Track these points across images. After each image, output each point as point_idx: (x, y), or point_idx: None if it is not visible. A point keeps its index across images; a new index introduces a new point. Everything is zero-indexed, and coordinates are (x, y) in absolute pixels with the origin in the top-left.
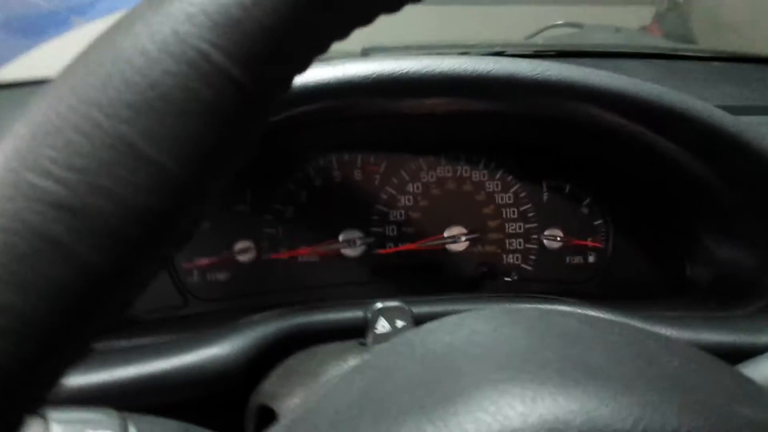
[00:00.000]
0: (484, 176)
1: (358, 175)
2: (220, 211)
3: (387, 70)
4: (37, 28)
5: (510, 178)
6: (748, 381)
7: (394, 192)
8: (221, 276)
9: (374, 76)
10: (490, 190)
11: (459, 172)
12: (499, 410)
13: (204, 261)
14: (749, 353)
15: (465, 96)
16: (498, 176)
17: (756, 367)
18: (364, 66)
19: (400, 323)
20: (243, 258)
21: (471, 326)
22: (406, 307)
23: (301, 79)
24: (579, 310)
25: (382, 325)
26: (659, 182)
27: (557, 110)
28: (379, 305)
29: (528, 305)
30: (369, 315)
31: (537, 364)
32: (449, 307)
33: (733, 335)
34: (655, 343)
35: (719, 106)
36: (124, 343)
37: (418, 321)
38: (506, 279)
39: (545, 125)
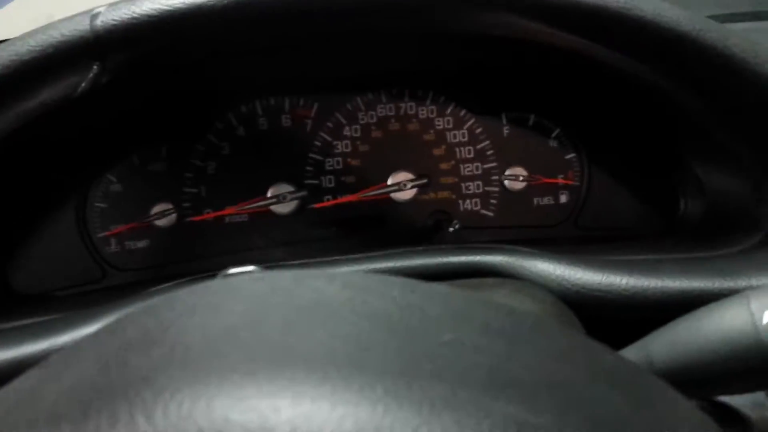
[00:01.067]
0: (432, 113)
1: (286, 121)
2: (133, 172)
3: None
4: None
5: (463, 112)
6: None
7: (328, 138)
8: (140, 243)
9: None
10: (440, 127)
11: (403, 110)
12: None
13: (120, 228)
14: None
15: (364, 18)
16: (449, 111)
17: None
18: None
19: None
20: (162, 222)
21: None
22: (261, 272)
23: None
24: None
25: None
26: (631, 105)
27: (477, 24)
28: (230, 271)
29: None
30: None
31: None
32: (342, 269)
33: (706, 280)
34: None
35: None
36: (9, 324)
37: None
38: (450, 229)
39: (488, 47)
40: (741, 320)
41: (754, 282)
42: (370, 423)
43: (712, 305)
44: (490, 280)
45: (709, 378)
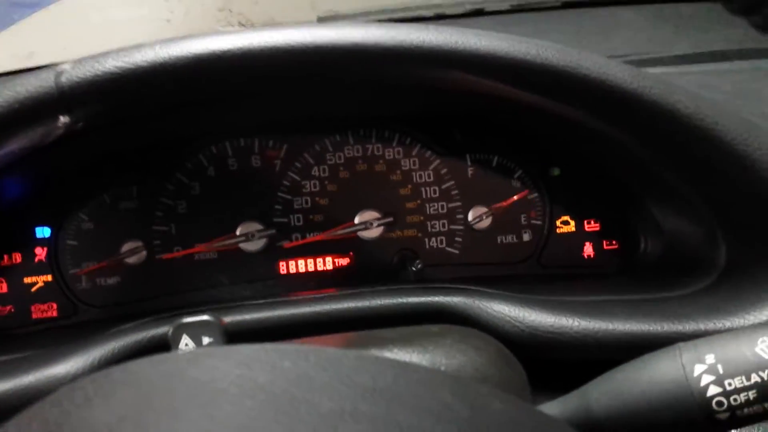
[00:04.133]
0: (398, 153)
1: (256, 161)
2: (104, 210)
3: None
4: None
5: (428, 153)
6: None
7: (297, 178)
8: (111, 280)
9: (219, 53)
10: (406, 168)
11: (370, 151)
12: None
13: (91, 266)
14: (674, 341)
15: (312, 72)
16: (414, 152)
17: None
18: (215, 42)
19: (206, 339)
20: (132, 260)
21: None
22: (214, 321)
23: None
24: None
25: (186, 343)
26: (588, 149)
27: (427, 79)
28: (184, 320)
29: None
30: (170, 332)
31: None
32: (282, 312)
33: (654, 323)
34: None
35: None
36: None
37: (231, 334)
38: (413, 268)
39: (448, 95)
40: (673, 372)
41: (701, 326)
42: None
43: (647, 356)
44: (435, 328)
45: (644, 427)
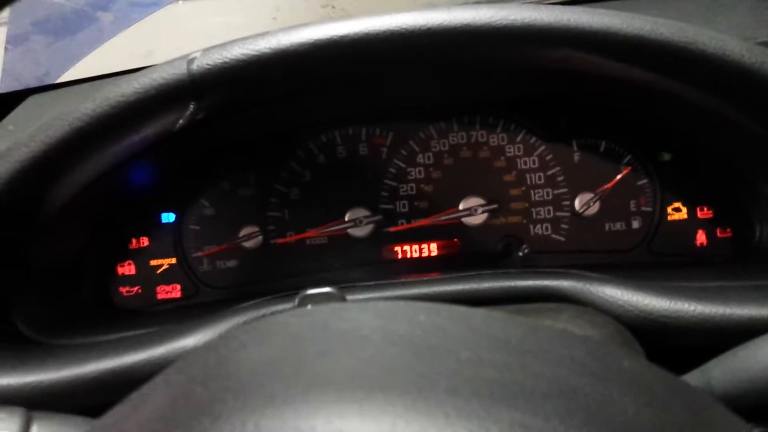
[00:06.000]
0: (503, 140)
1: (363, 149)
2: (224, 197)
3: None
4: (67, 28)
5: (533, 139)
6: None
7: (403, 165)
8: (230, 263)
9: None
10: (511, 154)
11: (474, 138)
12: None
13: (212, 249)
14: None
15: (424, 54)
16: (519, 139)
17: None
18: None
19: None
20: (249, 244)
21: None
22: (337, 293)
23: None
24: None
25: None
26: (701, 131)
27: (539, 59)
28: (308, 291)
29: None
30: (296, 302)
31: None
32: (392, 293)
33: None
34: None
35: None
36: (112, 336)
37: None
38: (519, 254)
39: (554, 77)
40: None
41: None
42: None
43: None
44: (551, 305)
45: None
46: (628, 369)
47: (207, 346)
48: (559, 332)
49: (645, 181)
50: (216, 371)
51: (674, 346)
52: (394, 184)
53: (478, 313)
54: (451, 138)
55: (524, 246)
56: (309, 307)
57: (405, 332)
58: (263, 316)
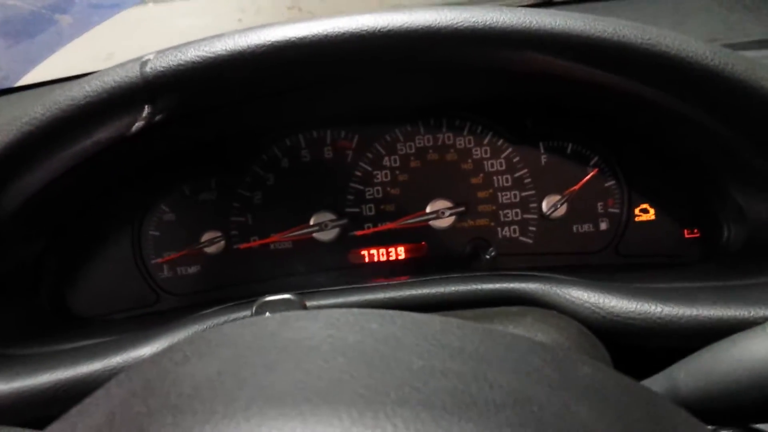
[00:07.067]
0: (470, 142)
1: (328, 152)
2: (185, 202)
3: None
4: (26, 31)
5: (500, 142)
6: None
7: (369, 168)
8: (191, 269)
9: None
10: (478, 157)
11: (441, 140)
12: None
13: (173, 255)
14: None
15: (385, 56)
16: (486, 141)
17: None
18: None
19: None
20: (211, 249)
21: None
22: (296, 300)
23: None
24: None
25: None
26: (668, 133)
27: (502, 61)
28: (267, 298)
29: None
30: (254, 309)
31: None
32: (358, 298)
33: (741, 309)
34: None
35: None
36: (68, 345)
37: None
38: (486, 256)
39: (520, 80)
40: (764, 351)
41: None
42: None
43: (736, 336)
44: (514, 309)
45: (733, 407)
46: (587, 376)
47: (151, 359)
48: (517, 339)
49: (612, 182)
50: (157, 386)
51: (640, 348)
52: (360, 187)
53: (434, 321)
54: (417, 140)
55: (491, 249)
56: (267, 314)
57: (355, 342)
58: (223, 323)
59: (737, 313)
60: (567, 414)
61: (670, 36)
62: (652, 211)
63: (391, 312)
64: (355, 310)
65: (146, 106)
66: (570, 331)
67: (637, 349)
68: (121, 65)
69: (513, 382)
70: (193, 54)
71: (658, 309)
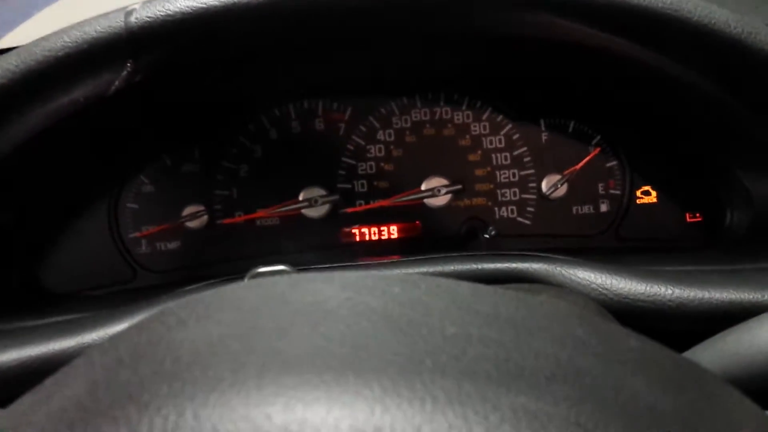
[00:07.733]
0: (468, 117)
1: (319, 124)
2: (165, 173)
3: None
4: None
5: (500, 118)
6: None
7: (362, 142)
8: (171, 245)
9: None
10: (476, 133)
11: (438, 115)
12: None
13: (151, 229)
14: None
15: (386, 17)
16: (485, 117)
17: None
18: None
19: None
20: (193, 224)
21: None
22: (291, 271)
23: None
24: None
25: None
26: (675, 109)
27: (515, 26)
28: (259, 269)
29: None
30: (246, 280)
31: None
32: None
33: (754, 291)
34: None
35: None
36: (40, 321)
37: None
38: (486, 236)
39: (524, 50)
40: None
41: None
42: (368, 424)
43: (762, 316)
44: (526, 286)
45: (761, 389)
46: (636, 348)
47: (139, 325)
48: (555, 306)
49: (614, 163)
50: (148, 352)
51: (647, 332)
52: (353, 162)
53: (462, 285)
54: (413, 114)
55: (491, 228)
56: None
57: (378, 305)
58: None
59: (751, 296)
60: (625, 388)
61: (693, 2)
62: (654, 193)
63: (413, 276)
64: (374, 273)
65: (128, 62)
66: (588, 307)
67: (649, 333)
68: (104, 15)
69: (559, 351)
70: (183, 3)
71: (669, 291)
